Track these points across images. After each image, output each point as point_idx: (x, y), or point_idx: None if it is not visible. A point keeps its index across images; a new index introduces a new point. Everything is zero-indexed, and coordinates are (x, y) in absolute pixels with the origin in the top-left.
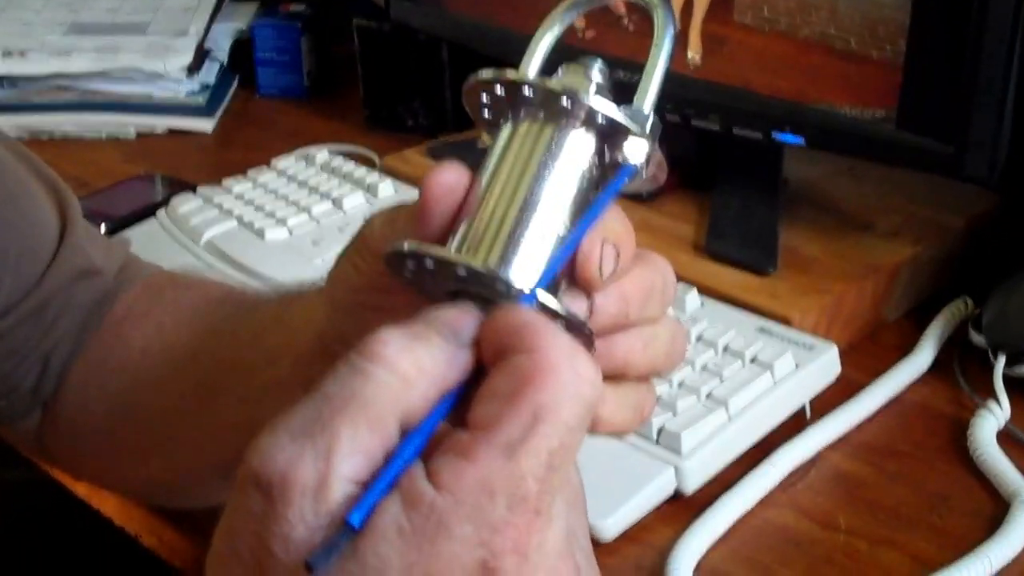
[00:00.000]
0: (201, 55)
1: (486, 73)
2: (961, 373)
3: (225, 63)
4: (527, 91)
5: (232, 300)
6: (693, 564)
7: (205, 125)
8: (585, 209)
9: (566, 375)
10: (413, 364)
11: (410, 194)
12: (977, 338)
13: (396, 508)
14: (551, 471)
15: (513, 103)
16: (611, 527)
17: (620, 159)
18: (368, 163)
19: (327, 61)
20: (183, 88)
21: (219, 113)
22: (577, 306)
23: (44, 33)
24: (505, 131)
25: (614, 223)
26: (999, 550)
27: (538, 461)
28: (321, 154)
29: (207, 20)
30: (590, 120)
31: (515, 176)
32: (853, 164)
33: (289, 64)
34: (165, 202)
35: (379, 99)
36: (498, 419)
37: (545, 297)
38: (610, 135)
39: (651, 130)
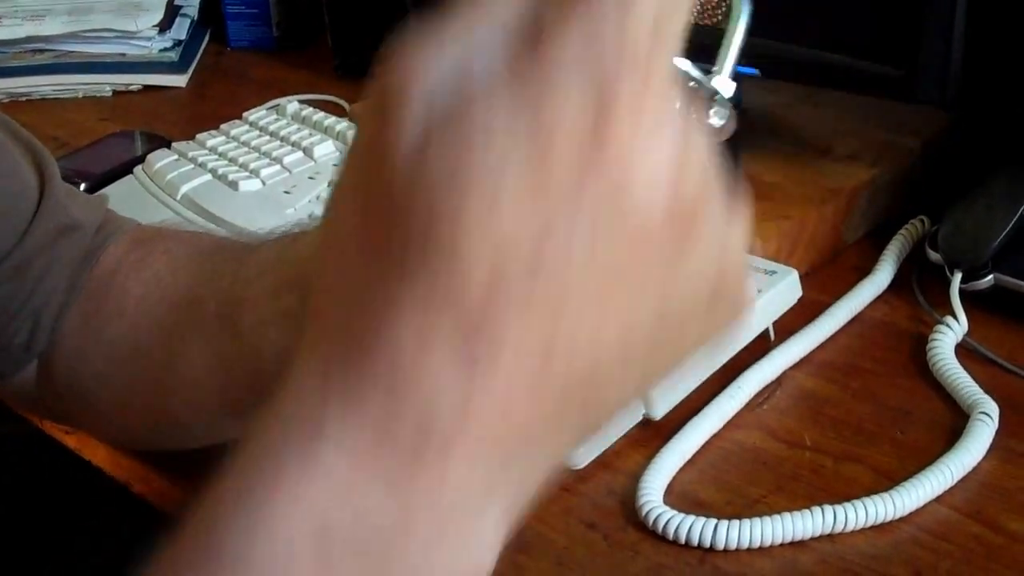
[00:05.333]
0: (172, 12)
1: None
2: (919, 290)
3: (195, 18)
4: None
5: (228, 247)
6: (663, 486)
7: (179, 80)
8: None
9: None
10: None
11: None
12: (934, 256)
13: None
14: (658, 37)
15: None
16: (583, 454)
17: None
18: (339, 111)
19: (295, 11)
20: (155, 45)
21: (192, 68)
22: None
23: None
24: None
25: None
26: (959, 461)
27: (645, 20)
28: (292, 105)
29: None
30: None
31: None
32: (810, 91)
33: (258, 16)
34: (144, 158)
35: (347, 47)
36: None
37: None
38: (693, 96)
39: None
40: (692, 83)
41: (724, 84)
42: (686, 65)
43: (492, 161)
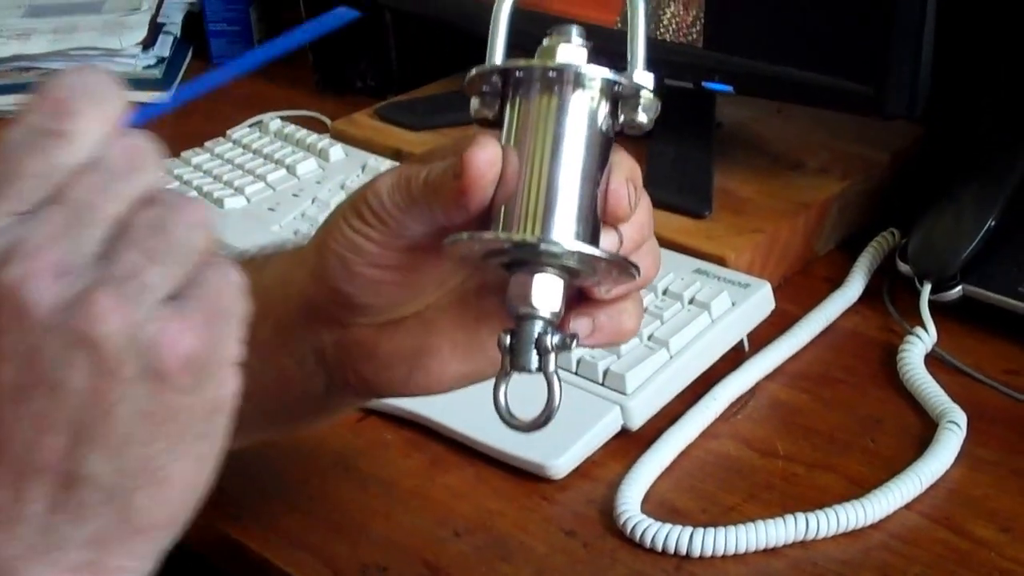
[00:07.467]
0: (155, 30)
1: (492, 65)
2: (890, 301)
3: (178, 36)
4: (534, 74)
5: None
6: (641, 496)
7: (162, 97)
8: (605, 168)
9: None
10: None
11: (360, 157)
12: (904, 267)
13: None
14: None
15: (519, 84)
16: (563, 465)
17: (630, 116)
18: (320, 126)
19: (277, 28)
20: (139, 63)
21: (175, 84)
22: (609, 241)
23: (3, 17)
24: (516, 109)
25: (628, 161)
26: (928, 468)
27: None
28: (274, 122)
29: None
30: (601, 88)
31: (545, 152)
32: (782, 105)
33: (240, 33)
34: None
35: (328, 63)
36: None
37: (591, 250)
38: (617, 97)
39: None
40: (617, 87)
41: (644, 77)
42: (605, 72)
43: None
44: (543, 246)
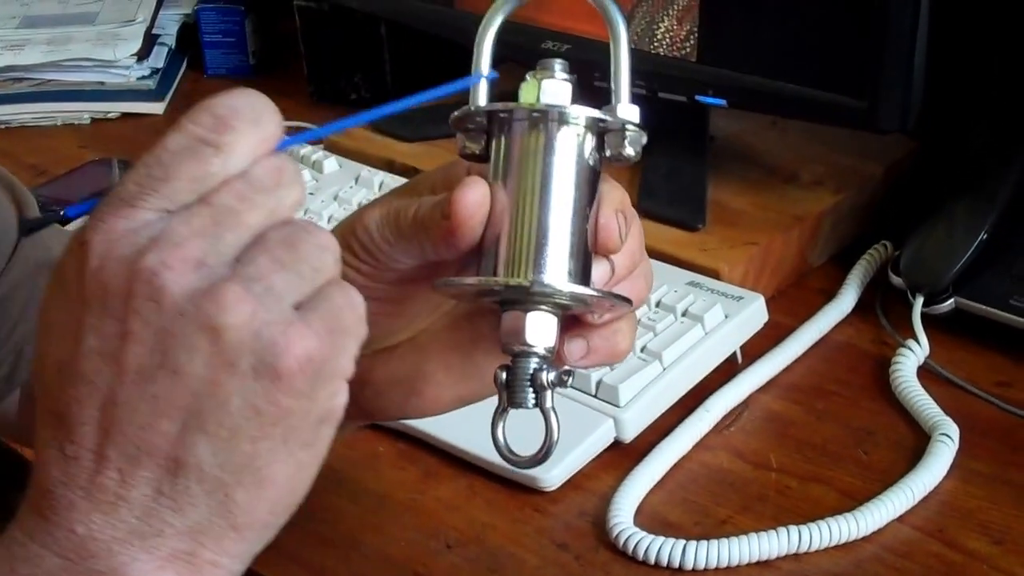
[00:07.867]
0: (149, 41)
1: (476, 106)
2: (883, 314)
3: (173, 47)
4: (519, 115)
5: None
6: (634, 508)
7: (156, 108)
8: (594, 201)
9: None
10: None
11: (354, 169)
12: (896, 280)
13: None
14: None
15: (504, 123)
16: (555, 477)
17: (616, 150)
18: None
19: (271, 40)
20: (133, 73)
21: (169, 96)
22: (601, 271)
23: None
24: (502, 148)
25: (617, 192)
26: (920, 481)
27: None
28: None
29: (154, 7)
30: (587, 125)
31: (533, 191)
32: (776, 118)
33: (234, 45)
34: None
35: (322, 75)
36: None
37: (583, 290)
38: (603, 131)
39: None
40: (601, 123)
41: (629, 111)
42: (589, 112)
43: None
44: (535, 288)
